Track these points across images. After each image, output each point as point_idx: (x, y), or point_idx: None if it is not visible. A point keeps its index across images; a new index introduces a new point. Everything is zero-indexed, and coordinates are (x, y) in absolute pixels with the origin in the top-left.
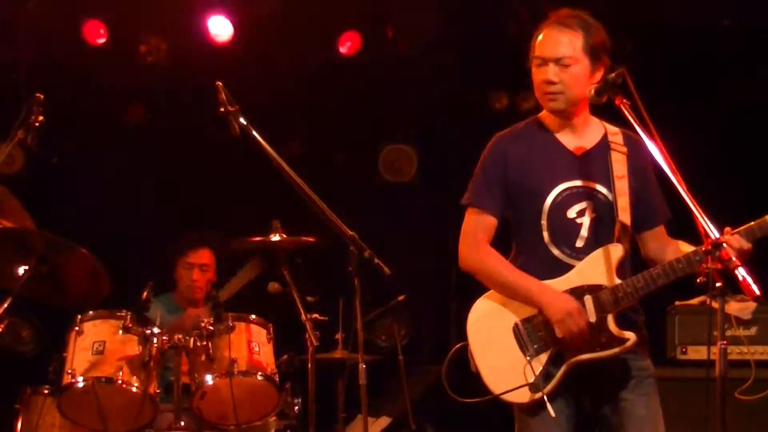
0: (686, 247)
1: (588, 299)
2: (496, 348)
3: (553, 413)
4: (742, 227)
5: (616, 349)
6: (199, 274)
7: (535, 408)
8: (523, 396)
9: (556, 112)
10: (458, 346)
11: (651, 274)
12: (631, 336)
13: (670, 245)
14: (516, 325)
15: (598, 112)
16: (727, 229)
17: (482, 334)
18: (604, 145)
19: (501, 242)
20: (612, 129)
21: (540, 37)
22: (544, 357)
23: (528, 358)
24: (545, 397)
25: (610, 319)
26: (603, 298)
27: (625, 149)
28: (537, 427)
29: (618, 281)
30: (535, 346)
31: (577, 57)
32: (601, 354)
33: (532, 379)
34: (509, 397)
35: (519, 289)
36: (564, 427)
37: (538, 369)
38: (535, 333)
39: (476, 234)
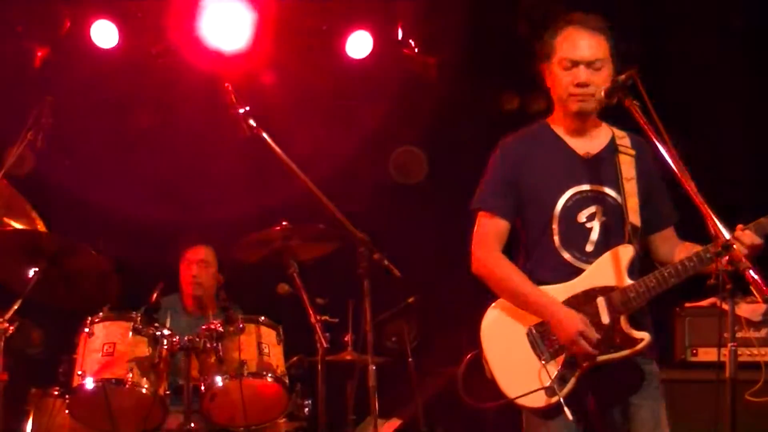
0: (695, 249)
1: (600, 301)
2: (510, 353)
3: (570, 416)
4: (753, 222)
5: (629, 350)
6: (198, 269)
7: (551, 412)
8: (539, 400)
9: (581, 115)
10: (473, 353)
11: (663, 274)
12: (644, 336)
13: (680, 247)
14: (530, 329)
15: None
16: (740, 226)
17: (496, 340)
18: (611, 148)
19: (507, 245)
20: (619, 132)
21: (565, 38)
22: (558, 361)
23: (543, 362)
24: (562, 401)
25: (623, 320)
26: (615, 299)
27: (632, 152)
28: (551, 431)
29: (630, 282)
30: (549, 350)
31: (605, 60)
32: (615, 355)
33: (547, 383)
34: (525, 402)
35: (530, 302)
36: (573, 430)
37: (553, 373)
38: (548, 337)
39: (489, 239)
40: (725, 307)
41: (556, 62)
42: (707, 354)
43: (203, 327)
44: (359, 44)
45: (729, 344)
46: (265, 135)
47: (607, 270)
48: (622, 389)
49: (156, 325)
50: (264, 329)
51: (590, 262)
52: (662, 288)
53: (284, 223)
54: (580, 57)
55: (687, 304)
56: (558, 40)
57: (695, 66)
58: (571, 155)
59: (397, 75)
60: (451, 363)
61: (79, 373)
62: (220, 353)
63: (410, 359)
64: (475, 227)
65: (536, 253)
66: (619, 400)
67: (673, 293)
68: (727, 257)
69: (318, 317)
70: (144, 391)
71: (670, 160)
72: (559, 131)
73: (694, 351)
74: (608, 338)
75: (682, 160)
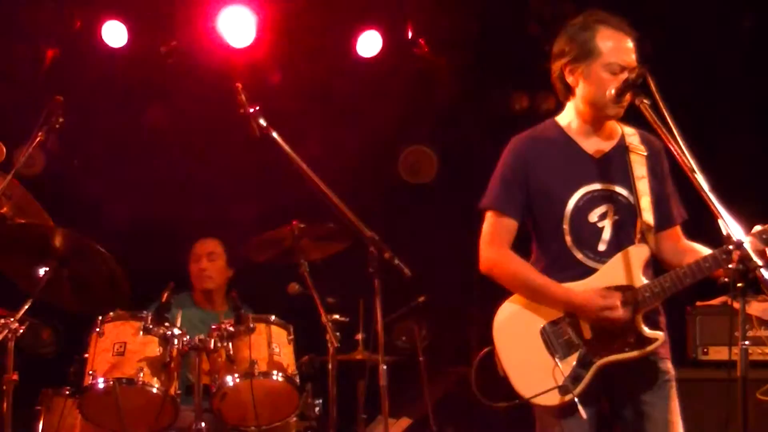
0: (704, 250)
1: None
2: (523, 351)
3: (584, 415)
4: (760, 229)
5: (645, 349)
6: (207, 262)
7: (565, 410)
8: (552, 398)
9: (611, 118)
10: (485, 350)
11: (678, 274)
12: (659, 335)
13: (686, 247)
14: (543, 327)
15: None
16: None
17: (509, 337)
18: (622, 146)
19: (518, 247)
20: (629, 130)
21: (609, 40)
22: (572, 359)
23: (557, 360)
24: (576, 399)
25: (638, 319)
26: (631, 298)
27: (642, 149)
28: (565, 429)
29: (645, 281)
30: (563, 348)
31: None
32: (630, 354)
33: (561, 382)
34: (539, 400)
35: (544, 291)
36: (588, 429)
37: (567, 371)
38: (562, 335)
39: (497, 237)
40: (736, 305)
41: (601, 64)
42: (718, 353)
43: (214, 327)
44: (369, 43)
45: (740, 343)
46: (275, 134)
47: (622, 269)
48: (637, 387)
49: (167, 324)
50: (275, 329)
51: (603, 262)
52: (677, 288)
53: (295, 222)
54: (629, 63)
55: (698, 303)
56: (600, 40)
57: (704, 65)
58: (581, 154)
59: (406, 74)
60: (461, 362)
61: (90, 372)
62: (231, 353)
63: (421, 358)
64: (484, 226)
65: (549, 253)
66: (633, 398)
67: (684, 292)
68: (738, 256)
69: (329, 316)
70: (155, 390)
71: (681, 159)
72: (569, 130)
73: (705, 350)
74: (623, 337)
75: (693, 158)
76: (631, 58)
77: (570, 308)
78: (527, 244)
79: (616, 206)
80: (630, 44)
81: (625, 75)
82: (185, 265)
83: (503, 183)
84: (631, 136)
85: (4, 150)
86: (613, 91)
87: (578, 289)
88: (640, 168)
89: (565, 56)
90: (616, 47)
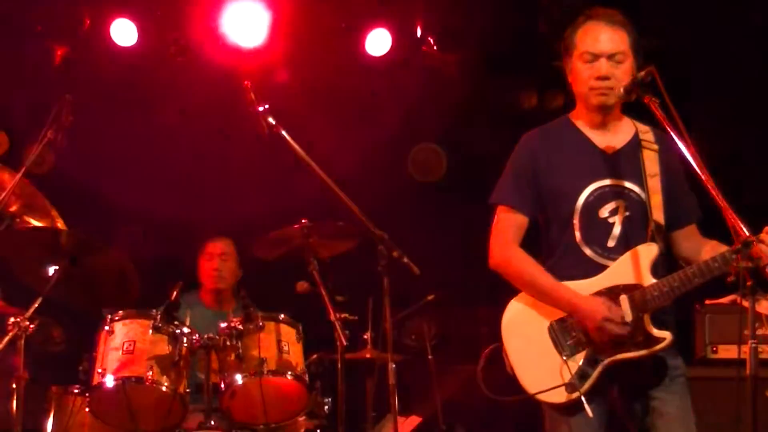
0: (721, 247)
1: (624, 299)
2: (531, 348)
3: (590, 413)
4: None
5: (652, 348)
6: (219, 262)
7: (571, 408)
8: (559, 396)
9: (603, 108)
10: (492, 346)
11: (687, 274)
12: (667, 335)
13: (704, 244)
14: (551, 325)
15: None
16: (767, 228)
17: (517, 334)
18: (635, 143)
19: (529, 242)
20: (642, 127)
21: (585, 32)
22: (579, 357)
23: (564, 357)
24: (583, 397)
25: (646, 318)
26: (639, 297)
27: (656, 147)
28: (573, 427)
29: (653, 280)
30: (570, 346)
31: (627, 53)
32: (637, 353)
33: (568, 379)
34: (546, 397)
35: (550, 293)
36: (596, 426)
37: (574, 369)
38: (570, 333)
39: (507, 233)
40: (745, 304)
41: (576, 56)
42: (727, 351)
43: (223, 325)
44: (378, 42)
45: (749, 341)
46: (284, 133)
47: (631, 268)
48: (647, 384)
49: (176, 323)
50: (284, 327)
51: (612, 258)
52: (686, 288)
53: (304, 220)
54: (601, 50)
55: (707, 301)
56: (578, 34)
57: (715, 62)
58: (593, 150)
59: (416, 72)
60: (470, 360)
61: (99, 371)
62: (240, 351)
63: (430, 356)
64: (494, 221)
65: (558, 249)
66: (644, 394)
67: (693, 290)
68: (747, 254)
69: (337, 315)
70: (164, 389)
71: (690, 157)
72: (581, 126)
73: (715, 348)
74: (631, 336)
75: (703, 156)
76: (606, 45)
77: (574, 314)
78: (536, 238)
79: (627, 202)
80: (608, 33)
81: (601, 63)
82: (194, 263)
83: (514, 178)
84: (645, 132)
85: (7, 138)
86: (622, 89)
87: (585, 288)
88: (652, 165)
89: (561, 57)
90: (589, 37)
